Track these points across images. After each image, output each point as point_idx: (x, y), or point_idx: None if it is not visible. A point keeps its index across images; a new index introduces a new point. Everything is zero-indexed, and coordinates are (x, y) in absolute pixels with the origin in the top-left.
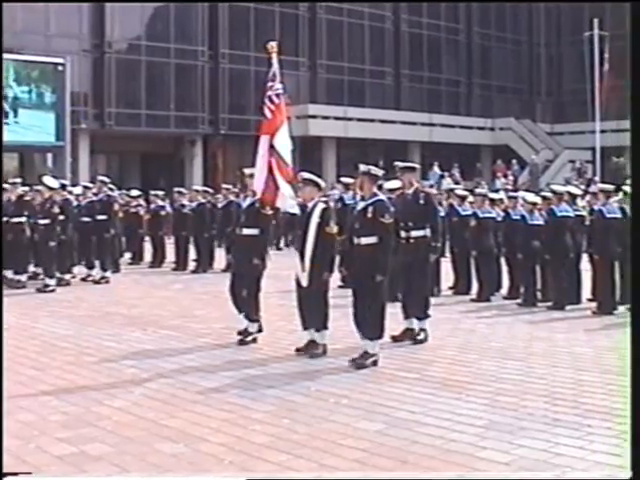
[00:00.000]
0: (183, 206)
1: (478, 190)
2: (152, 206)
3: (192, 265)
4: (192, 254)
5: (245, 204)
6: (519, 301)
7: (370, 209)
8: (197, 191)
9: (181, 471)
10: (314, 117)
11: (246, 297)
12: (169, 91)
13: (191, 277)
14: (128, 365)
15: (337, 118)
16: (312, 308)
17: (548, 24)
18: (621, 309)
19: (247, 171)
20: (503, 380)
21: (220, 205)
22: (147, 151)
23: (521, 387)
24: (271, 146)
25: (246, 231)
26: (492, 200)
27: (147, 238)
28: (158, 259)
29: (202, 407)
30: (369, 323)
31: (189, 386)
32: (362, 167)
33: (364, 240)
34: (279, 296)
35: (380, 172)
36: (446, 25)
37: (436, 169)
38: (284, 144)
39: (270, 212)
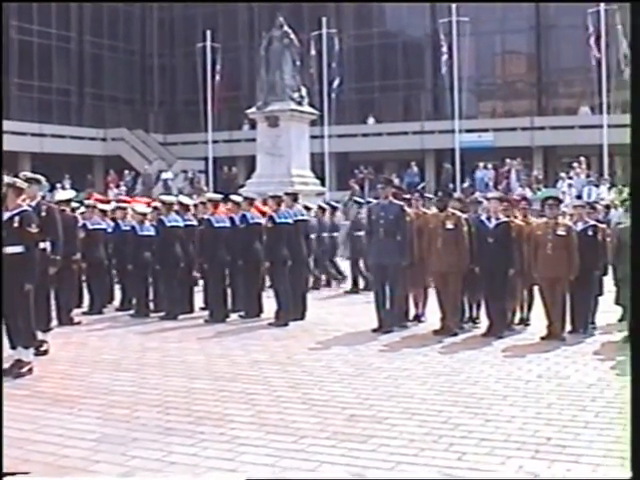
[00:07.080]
0: None
1: (88, 202)
2: None
3: None
4: None
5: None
6: (132, 312)
7: (17, 219)
8: None
9: None
10: None
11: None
12: None
13: None
14: None
15: None
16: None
17: (161, 34)
18: (233, 316)
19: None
20: (115, 392)
21: None
22: None
23: (134, 398)
24: None
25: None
26: (102, 211)
27: None
28: None
29: None
30: (21, 332)
31: None
32: (7, 179)
33: (10, 249)
34: None
35: (25, 185)
36: (57, 33)
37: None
38: None
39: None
